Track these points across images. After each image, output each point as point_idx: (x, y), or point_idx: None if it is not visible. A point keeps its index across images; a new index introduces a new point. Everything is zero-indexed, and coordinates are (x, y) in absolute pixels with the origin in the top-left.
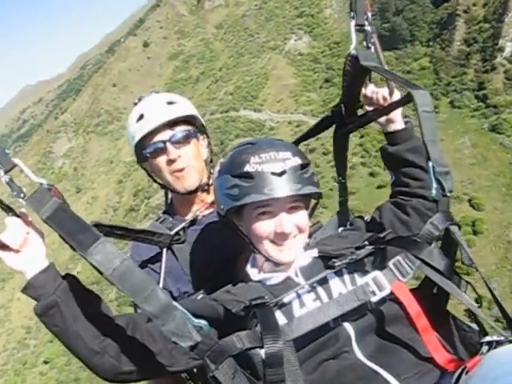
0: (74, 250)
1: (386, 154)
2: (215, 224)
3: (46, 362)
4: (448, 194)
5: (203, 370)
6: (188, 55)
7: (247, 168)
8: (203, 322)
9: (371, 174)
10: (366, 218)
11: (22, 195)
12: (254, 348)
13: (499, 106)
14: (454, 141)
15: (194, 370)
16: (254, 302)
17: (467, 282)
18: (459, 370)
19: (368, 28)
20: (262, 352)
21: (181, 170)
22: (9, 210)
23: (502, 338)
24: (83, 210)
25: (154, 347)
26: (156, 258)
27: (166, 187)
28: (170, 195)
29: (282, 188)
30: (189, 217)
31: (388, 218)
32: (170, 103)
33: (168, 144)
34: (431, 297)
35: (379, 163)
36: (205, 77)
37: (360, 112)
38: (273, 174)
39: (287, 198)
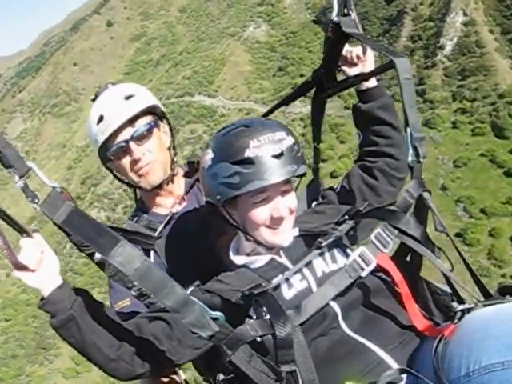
0: (77, 247)
1: (358, 111)
2: (188, 214)
3: None
4: (421, 160)
5: (210, 361)
6: (150, 37)
7: (247, 153)
8: (219, 314)
9: (308, 166)
10: (335, 187)
11: (36, 200)
12: (266, 335)
13: (435, 101)
14: None
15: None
16: (255, 291)
17: (439, 249)
18: (438, 338)
19: None
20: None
21: (145, 166)
22: (22, 231)
23: (473, 305)
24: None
25: (161, 347)
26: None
27: (132, 185)
28: (138, 193)
29: (281, 171)
30: (161, 211)
31: (356, 184)
32: (127, 98)
33: (131, 143)
34: (405, 264)
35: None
36: (165, 60)
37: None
38: (272, 156)
39: (283, 180)
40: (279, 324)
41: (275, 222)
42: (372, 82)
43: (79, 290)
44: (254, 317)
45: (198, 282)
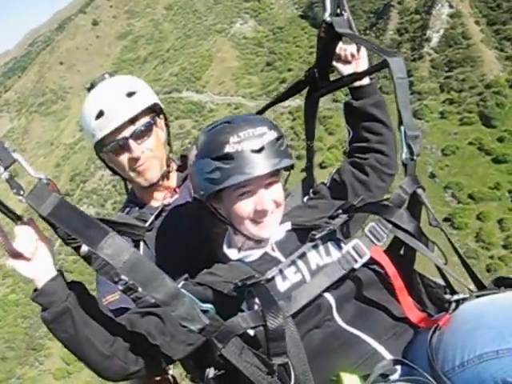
0: (63, 240)
1: (350, 108)
2: (180, 208)
3: None
4: (415, 158)
5: (200, 357)
6: (137, 35)
7: (227, 149)
8: (209, 306)
9: (297, 157)
10: (325, 182)
11: (21, 192)
12: (257, 326)
13: (423, 92)
14: None
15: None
16: (248, 282)
17: (433, 243)
18: (432, 329)
19: None
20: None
21: (143, 164)
22: (17, 218)
23: (467, 295)
24: (16, 197)
25: (155, 342)
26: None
27: (124, 178)
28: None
29: (262, 165)
30: (153, 203)
31: (348, 180)
32: (129, 95)
33: (130, 141)
34: (399, 258)
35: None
36: (152, 57)
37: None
38: (252, 151)
39: (266, 174)
40: (271, 315)
41: (259, 215)
42: (365, 80)
43: (73, 283)
44: (246, 310)
45: (186, 275)
